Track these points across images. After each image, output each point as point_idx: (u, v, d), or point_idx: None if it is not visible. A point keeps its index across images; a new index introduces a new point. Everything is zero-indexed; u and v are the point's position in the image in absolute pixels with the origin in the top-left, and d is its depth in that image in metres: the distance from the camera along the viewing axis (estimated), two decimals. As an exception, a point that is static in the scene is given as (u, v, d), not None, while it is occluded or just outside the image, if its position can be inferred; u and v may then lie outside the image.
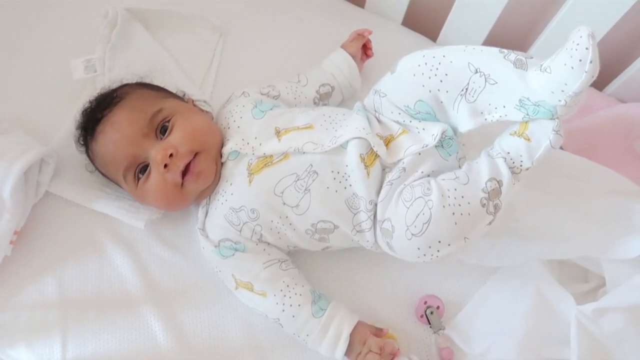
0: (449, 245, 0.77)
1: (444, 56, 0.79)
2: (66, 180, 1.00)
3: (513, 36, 1.25)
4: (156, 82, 1.01)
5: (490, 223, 0.78)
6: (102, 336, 0.91)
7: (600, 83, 1.20)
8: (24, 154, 0.93)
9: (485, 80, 0.76)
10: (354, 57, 1.09)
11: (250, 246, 0.91)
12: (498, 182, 0.78)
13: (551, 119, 0.75)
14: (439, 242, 0.77)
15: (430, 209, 0.76)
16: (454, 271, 0.99)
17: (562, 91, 0.71)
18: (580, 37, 0.68)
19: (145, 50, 1.12)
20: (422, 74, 0.81)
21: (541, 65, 0.73)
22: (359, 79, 1.10)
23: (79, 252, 0.96)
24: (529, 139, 0.77)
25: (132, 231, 0.99)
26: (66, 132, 1.02)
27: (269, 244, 0.93)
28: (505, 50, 0.77)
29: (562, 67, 0.70)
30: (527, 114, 0.76)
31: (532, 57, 0.75)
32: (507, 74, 0.75)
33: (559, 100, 0.72)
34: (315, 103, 1.07)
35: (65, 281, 0.94)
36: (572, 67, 0.69)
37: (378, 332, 0.90)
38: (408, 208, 0.78)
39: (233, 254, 0.90)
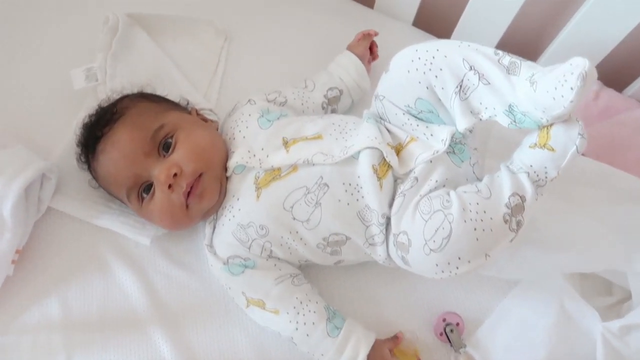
0: (469, 262, 0.73)
1: (437, 50, 0.77)
2: (68, 195, 0.97)
3: (527, 38, 1.21)
4: (159, 91, 0.98)
5: (511, 240, 0.75)
6: (109, 359, 0.88)
7: (620, 84, 1.17)
8: (24, 170, 0.90)
9: (479, 79, 0.74)
10: (361, 58, 1.07)
11: (260, 262, 0.88)
12: (521, 197, 0.75)
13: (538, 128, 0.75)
14: (459, 258, 0.73)
15: (450, 223, 0.73)
16: (471, 285, 0.95)
17: (544, 111, 0.71)
18: (572, 73, 0.66)
19: (147, 57, 1.09)
20: (417, 69, 0.78)
21: (532, 75, 0.71)
22: (368, 80, 1.07)
23: (83, 270, 0.94)
24: (552, 149, 0.74)
25: (137, 248, 0.96)
26: (67, 145, 0.99)
27: (279, 259, 0.89)
28: (501, 52, 0.74)
29: (544, 92, 0.69)
30: (514, 121, 0.75)
31: (528, 61, 0.73)
32: (499, 78, 0.73)
33: (541, 118, 0.72)
34: (323, 108, 1.04)
35: (69, 301, 0.91)
36: (554, 98, 0.68)
37: (394, 342, 0.87)
38: (426, 221, 0.75)
39: (243, 271, 0.87)
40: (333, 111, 1.06)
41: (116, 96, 0.94)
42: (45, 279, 0.93)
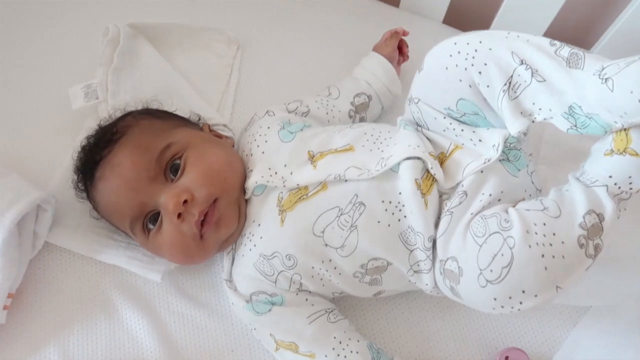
0: (535, 296, 0.62)
1: (480, 42, 0.67)
2: (68, 228, 0.88)
3: (575, 32, 1.12)
4: (166, 107, 0.89)
5: (587, 269, 0.63)
6: (117, 417, 0.78)
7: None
8: (17, 202, 0.81)
9: (532, 75, 0.65)
10: (389, 59, 0.99)
11: (289, 298, 0.77)
12: (598, 215, 0.64)
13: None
14: (523, 292, 0.62)
15: (511, 248, 0.62)
16: (535, 314, 0.85)
17: (621, 116, 0.60)
18: None
19: (153, 70, 1.00)
20: (456, 65, 0.69)
21: (602, 69, 0.61)
22: (399, 84, 0.99)
23: (86, 313, 0.84)
24: (637, 154, 0.63)
25: (147, 285, 0.87)
26: (65, 172, 0.90)
27: (310, 292, 0.79)
28: (558, 43, 0.66)
29: (626, 93, 0.58)
30: (575, 125, 0.65)
31: (591, 53, 0.64)
32: (557, 73, 0.64)
33: (615, 122, 0.62)
34: (350, 117, 0.95)
35: (70, 350, 0.82)
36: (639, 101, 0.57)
37: None
38: (480, 246, 0.65)
39: (269, 310, 0.77)
40: (362, 120, 0.97)
41: (119, 114, 0.85)
42: (43, 325, 0.83)
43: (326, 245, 0.73)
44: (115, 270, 0.87)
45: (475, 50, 0.67)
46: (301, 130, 0.83)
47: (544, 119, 0.67)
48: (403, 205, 0.72)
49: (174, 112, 0.88)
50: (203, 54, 1.07)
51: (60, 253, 0.88)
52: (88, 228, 0.88)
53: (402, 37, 1.02)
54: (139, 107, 0.87)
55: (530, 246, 0.61)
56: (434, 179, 0.72)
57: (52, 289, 0.86)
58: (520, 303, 0.63)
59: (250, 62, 1.08)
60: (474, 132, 0.74)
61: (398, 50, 1.01)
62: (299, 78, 1.05)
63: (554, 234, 0.62)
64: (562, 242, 0.62)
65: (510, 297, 0.63)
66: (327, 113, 0.92)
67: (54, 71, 1.04)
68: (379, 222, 0.72)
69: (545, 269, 0.61)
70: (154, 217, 0.76)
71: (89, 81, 0.95)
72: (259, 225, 0.77)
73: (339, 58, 1.07)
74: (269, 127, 0.84)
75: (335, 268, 0.75)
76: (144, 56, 1.00)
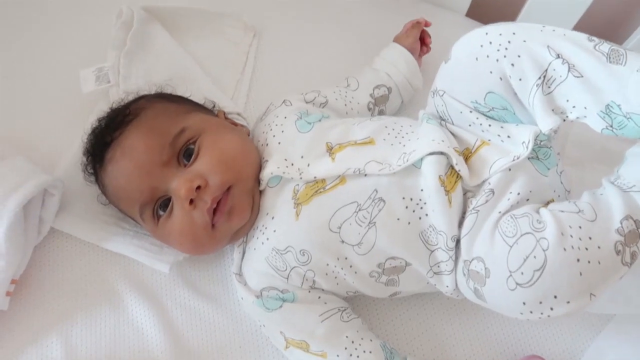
0: (567, 302, 0.59)
1: (514, 34, 0.64)
2: (75, 214, 0.86)
3: (608, 26, 1.08)
4: (180, 93, 0.86)
5: (622, 277, 0.60)
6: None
7: None
8: (23, 185, 0.78)
9: (569, 71, 0.61)
10: (410, 51, 0.95)
11: (301, 295, 0.74)
12: (635, 222, 0.60)
13: None
14: (555, 297, 0.59)
15: (544, 250, 0.59)
16: (557, 321, 0.81)
17: None
18: None
19: (166, 55, 0.97)
20: (487, 56, 0.65)
21: None
22: (420, 76, 0.95)
23: (91, 303, 0.82)
24: None
25: (154, 275, 0.84)
26: (74, 156, 0.88)
27: (323, 290, 0.76)
28: (596, 39, 0.62)
29: None
30: (611, 126, 0.61)
31: (632, 51, 0.60)
32: (596, 69, 0.60)
33: None
34: (369, 109, 0.91)
35: (73, 341, 0.79)
36: None
37: None
38: (511, 246, 0.61)
39: (280, 306, 0.74)
40: (380, 113, 0.93)
41: (131, 97, 0.83)
42: (46, 314, 0.81)
43: (342, 241, 0.70)
44: (121, 259, 0.84)
45: (509, 42, 0.64)
46: (319, 121, 0.80)
47: (577, 117, 0.63)
48: (425, 203, 0.69)
49: (189, 97, 0.85)
50: (218, 40, 1.04)
51: (66, 240, 0.86)
52: (95, 215, 0.86)
53: (424, 28, 0.98)
54: (153, 91, 0.85)
55: (565, 249, 0.58)
56: (458, 176, 0.69)
57: (57, 277, 0.83)
58: (551, 309, 0.60)
59: (267, 50, 1.05)
60: (502, 127, 0.70)
61: (420, 41, 0.98)
62: (317, 68, 1.02)
63: (590, 238, 0.59)
64: (599, 247, 0.58)
65: (540, 303, 0.60)
66: (345, 105, 0.88)
67: (65, 53, 1.02)
68: (398, 219, 0.69)
69: (580, 274, 0.58)
70: (165, 203, 0.73)
71: (100, 64, 0.92)
72: (273, 218, 0.74)
73: (358, 49, 1.03)
74: (285, 117, 0.81)
75: (350, 266, 0.71)
76: (157, 40, 0.98)
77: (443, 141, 0.70)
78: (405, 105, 0.96)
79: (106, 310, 0.81)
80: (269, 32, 1.06)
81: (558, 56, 0.61)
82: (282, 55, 1.04)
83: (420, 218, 0.69)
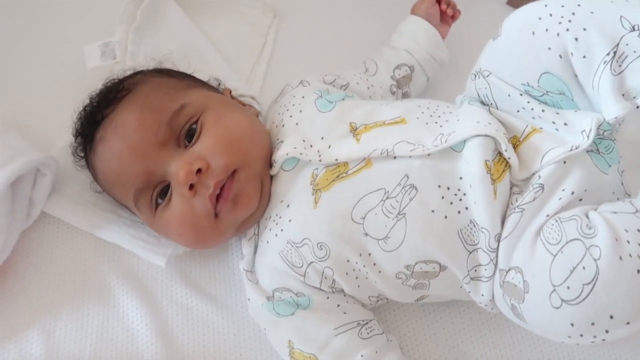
0: (627, 324, 0.51)
1: (579, 5, 0.57)
2: (68, 198, 0.80)
3: None
4: (181, 69, 0.79)
5: None
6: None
7: None
8: (11, 162, 0.72)
9: None
10: (427, 17, 0.87)
11: (318, 300, 0.66)
12: None
13: None
14: (611, 317, 0.51)
15: (595, 260, 0.51)
16: (614, 346, 0.72)
17: None
18: None
19: (178, 33, 0.93)
20: (546, 30, 0.58)
21: None
22: (445, 48, 0.88)
23: (78, 296, 0.76)
24: None
25: (149, 270, 0.78)
26: (71, 136, 0.80)
27: (345, 295, 0.67)
28: None
29: None
30: None
31: None
32: None
33: None
34: (393, 93, 0.85)
35: (56, 337, 0.73)
36: None
37: None
38: (555, 255, 0.53)
39: (292, 313, 0.66)
40: (405, 96, 0.86)
41: (129, 73, 0.77)
42: (28, 305, 0.75)
43: (366, 234, 0.62)
44: (115, 250, 0.79)
45: (573, 13, 0.56)
46: (342, 99, 0.72)
47: None
48: (464, 194, 0.60)
49: (192, 74, 0.78)
50: (235, 20, 1.00)
51: (57, 225, 0.80)
52: (91, 200, 0.80)
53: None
54: (151, 67, 0.79)
55: (621, 258, 0.50)
56: (507, 164, 0.61)
57: (44, 266, 0.78)
58: (607, 332, 0.51)
59: (286, 33, 1.00)
60: (557, 114, 0.61)
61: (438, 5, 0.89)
62: (339, 54, 0.97)
63: None
64: None
65: (592, 324, 0.51)
66: (367, 88, 0.82)
67: (71, 26, 0.98)
68: (433, 211, 0.60)
69: None
70: (165, 190, 0.66)
71: (107, 39, 0.87)
72: (288, 206, 0.65)
73: (382, 34, 0.95)
74: (303, 97, 0.73)
75: (374, 264, 0.63)
76: (169, 17, 0.94)
77: (490, 124, 0.61)
78: (431, 83, 0.90)
79: (95, 305, 0.75)
80: (290, 14, 1.02)
81: (633, 28, 0.53)
82: (302, 39, 0.99)
83: (459, 212, 0.60)
